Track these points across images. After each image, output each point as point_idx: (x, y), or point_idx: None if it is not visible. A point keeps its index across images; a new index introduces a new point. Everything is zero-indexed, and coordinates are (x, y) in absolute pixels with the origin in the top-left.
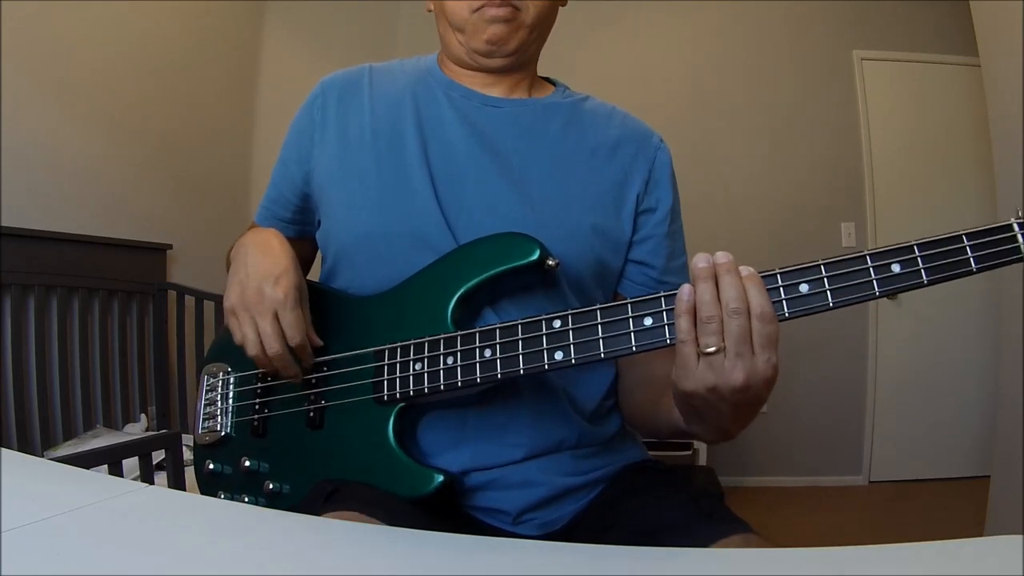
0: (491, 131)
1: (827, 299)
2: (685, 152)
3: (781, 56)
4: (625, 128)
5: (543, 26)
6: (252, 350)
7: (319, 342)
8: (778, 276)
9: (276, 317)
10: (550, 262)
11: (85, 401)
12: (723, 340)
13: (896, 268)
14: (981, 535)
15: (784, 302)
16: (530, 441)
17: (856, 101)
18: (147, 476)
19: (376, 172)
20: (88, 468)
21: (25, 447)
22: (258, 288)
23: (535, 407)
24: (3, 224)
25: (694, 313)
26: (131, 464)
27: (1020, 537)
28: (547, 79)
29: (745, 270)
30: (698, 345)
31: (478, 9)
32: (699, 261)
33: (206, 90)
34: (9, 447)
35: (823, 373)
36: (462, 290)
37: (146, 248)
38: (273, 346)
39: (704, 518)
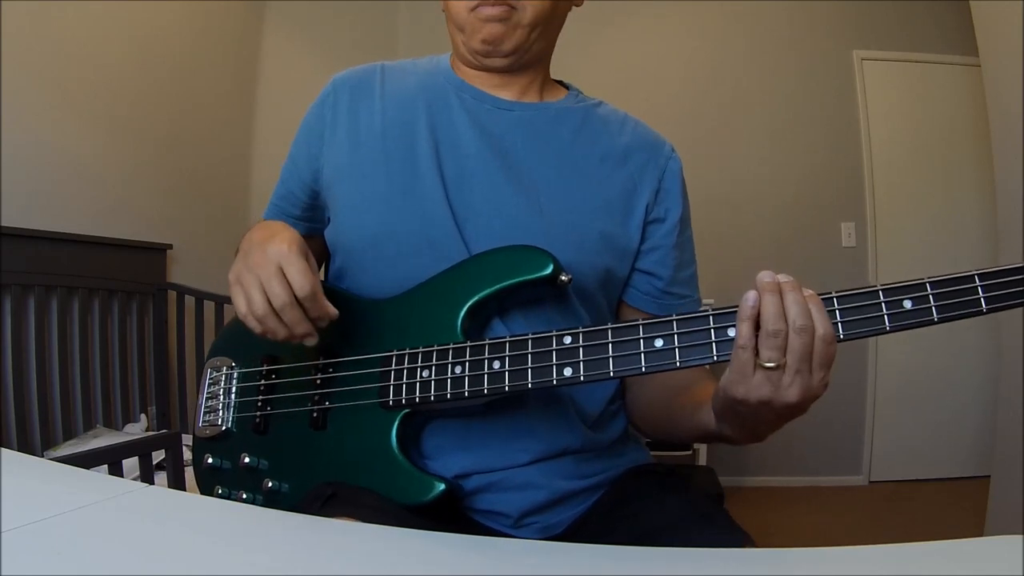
0: (501, 135)
1: (838, 331)
2: (685, 152)
3: (781, 56)
4: (636, 136)
5: (545, 26)
6: (259, 309)
7: (334, 311)
8: None
9: (281, 271)
10: (563, 277)
11: (85, 401)
12: (784, 356)
13: (908, 304)
14: (981, 535)
15: None
16: (534, 447)
17: (856, 101)
18: (147, 476)
19: (386, 172)
20: (88, 468)
21: (25, 447)
22: (262, 250)
23: (541, 415)
24: (3, 224)
25: (755, 321)
26: (131, 464)
27: (1020, 537)
28: (560, 82)
29: (807, 291)
30: (757, 355)
31: (474, 8)
32: (765, 276)
33: (206, 90)
34: (9, 447)
35: None
36: (473, 300)
37: (146, 248)
38: (280, 296)
39: (703, 526)
